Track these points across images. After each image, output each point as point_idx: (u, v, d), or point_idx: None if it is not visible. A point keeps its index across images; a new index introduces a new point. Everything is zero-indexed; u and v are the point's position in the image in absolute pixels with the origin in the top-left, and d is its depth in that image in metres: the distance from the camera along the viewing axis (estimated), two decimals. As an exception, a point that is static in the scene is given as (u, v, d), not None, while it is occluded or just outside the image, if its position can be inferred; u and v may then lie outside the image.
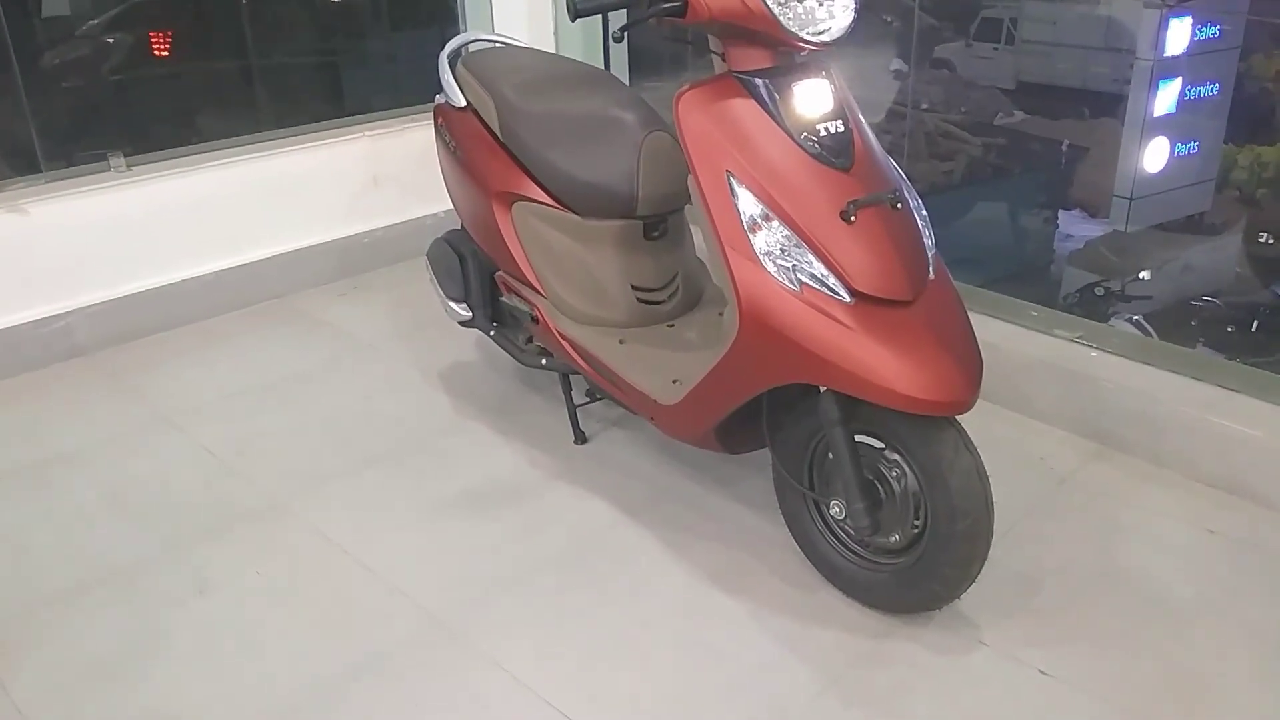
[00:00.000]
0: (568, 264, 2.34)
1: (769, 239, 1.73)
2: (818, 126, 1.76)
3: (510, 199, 2.39)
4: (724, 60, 1.84)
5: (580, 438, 2.56)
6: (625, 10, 1.80)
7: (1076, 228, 3.96)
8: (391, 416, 2.73)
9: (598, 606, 2.00)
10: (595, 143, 2.27)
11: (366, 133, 3.63)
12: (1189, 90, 4.25)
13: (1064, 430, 2.54)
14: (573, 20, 1.77)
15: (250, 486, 2.44)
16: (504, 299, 2.53)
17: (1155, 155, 4.36)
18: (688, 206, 2.37)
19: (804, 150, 1.75)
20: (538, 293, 2.39)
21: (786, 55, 1.80)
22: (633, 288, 2.33)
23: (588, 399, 2.58)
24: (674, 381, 2.12)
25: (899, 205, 1.77)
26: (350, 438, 2.63)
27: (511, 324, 2.57)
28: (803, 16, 1.71)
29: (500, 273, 2.53)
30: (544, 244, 2.36)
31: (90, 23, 3.39)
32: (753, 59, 1.79)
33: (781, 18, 1.70)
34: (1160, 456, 2.37)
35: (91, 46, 3.40)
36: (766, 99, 1.77)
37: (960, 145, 3.93)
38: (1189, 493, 2.29)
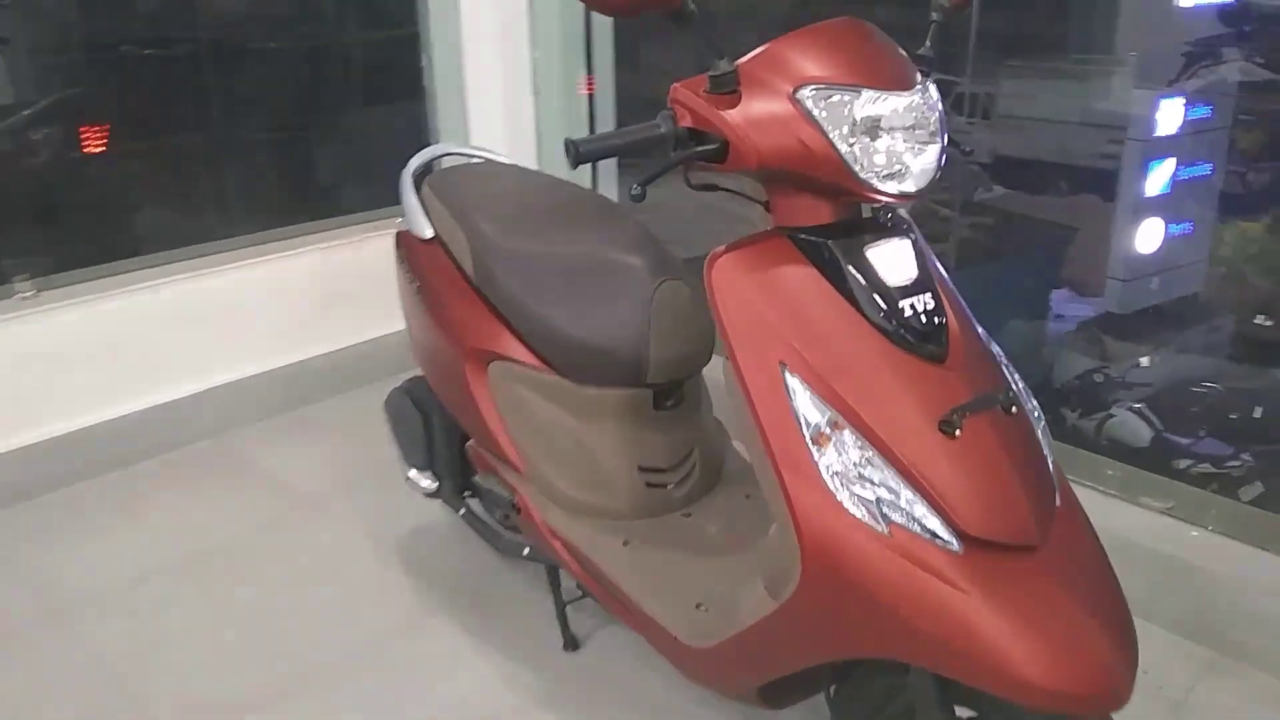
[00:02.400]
0: (558, 441, 1.86)
1: (841, 457, 1.27)
2: (901, 303, 1.31)
3: (486, 357, 1.92)
4: (769, 211, 1.40)
5: (571, 643, 2.06)
6: (636, 152, 1.34)
7: (1068, 308, 3.92)
8: (337, 611, 2.21)
9: None
10: (594, 292, 1.81)
11: (318, 245, 3.17)
12: (1182, 170, 4.19)
13: (1167, 631, 2.07)
14: (574, 167, 1.32)
15: (150, 722, 1.92)
16: (478, 478, 2.05)
17: (1149, 236, 4.35)
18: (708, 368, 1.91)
19: (885, 335, 1.30)
20: (519, 474, 1.91)
21: (851, 205, 1.36)
22: (640, 469, 1.86)
23: (580, 593, 2.08)
24: (699, 607, 1.64)
25: (1014, 409, 1.32)
26: (283, 643, 2.12)
27: (488, 501, 2.08)
28: (880, 162, 1.27)
29: (473, 444, 2.05)
30: (528, 415, 1.88)
31: (9, 118, 2.93)
32: (809, 212, 1.35)
33: (855, 164, 1.26)
34: (1295, 673, 1.92)
35: (10, 143, 2.93)
36: (831, 265, 1.32)
37: (949, 225, 3.79)
38: (1340, 727, 1.83)
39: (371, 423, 2.26)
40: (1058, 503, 1.31)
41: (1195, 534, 2.12)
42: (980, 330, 1.39)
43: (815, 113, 1.25)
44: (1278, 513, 2.08)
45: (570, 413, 1.85)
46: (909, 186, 1.30)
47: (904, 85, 1.29)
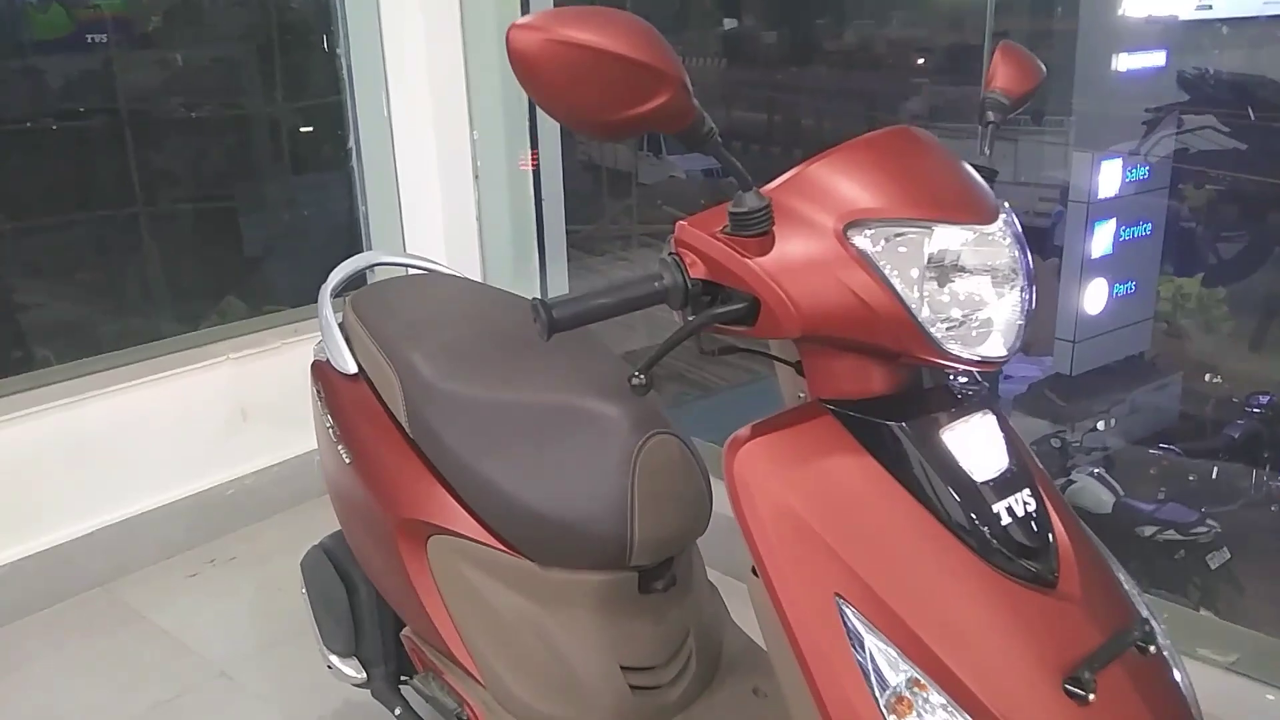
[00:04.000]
0: (519, 637, 1.48)
1: (929, 729, 0.91)
2: (994, 506, 0.97)
3: (424, 530, 1.53)
4: (801, 375, 1.06)
5: None
6: (626, 311, 0.98)
7: (1017, 369, 3.89)
8: (244, 833, 1.78)
9: None
10: (561, 451, 1.45)
11: (230, 354, 2.76)
12: (1124, 230, 4.25)
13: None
14: (547, 338, 0.96)
15: None
16: (416, 680, 1.65)
17: (1094, 296, 4.34)
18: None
19: (975, 552, 0.95)
20: (471, 677, 1.51)
21: (912, 370, 1.02)
22: (623, 669, 1.47)
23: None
24: None
25: (1152, 648, 0.98)
26: None
27: (434, 703, 1.68)
28: (956, 316, 0.94)
29: (409, 632, 1.65)
30: (480, 604, 1.50)
31: None
32: (857, 380, 1.00)
33: (930, 324, 0.93)
34: None
35: None
36: (896, 455, 0.98)
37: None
38: None
39: (291, 560, 1.85)
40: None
41: (1272, 697, 1.80)
42: (1089, 533, 1.05)
43: (873, 256, 0.92)
44: None
45: (533, 601, 1.47)
46: (995, 349, 0.96)
47: (983, 215, 0.96)
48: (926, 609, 0.93)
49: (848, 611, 0.94)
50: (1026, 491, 0.98)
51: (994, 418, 1.01)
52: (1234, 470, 3.87)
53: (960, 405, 1.00)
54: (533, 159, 3.26)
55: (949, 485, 0.96)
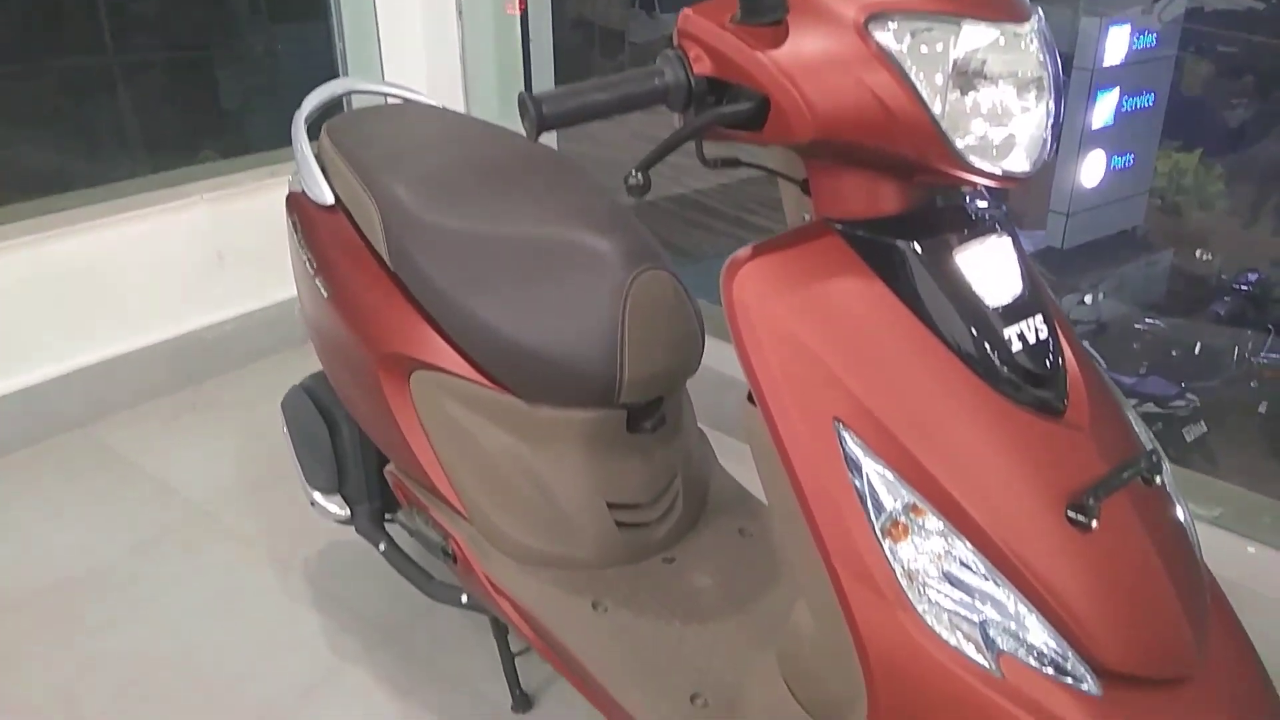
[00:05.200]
0: (505, 473, 1.45)
1: (926, 555, 0.89)
2: (1005, 331, 0.92)
3: (407, 365, 1.48)
4: (806, 194, 0.99)
5: (521, 703, 1.68)
6: (623, 110, 0.90)
7: None
8: (231, 662, 1.80)
9: None
10: (550, 285, 1.39)
11: (203, 194, 2.65)
12: (1126, 100, 4.20)
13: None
14: (534, 138, 0.89)
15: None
16: (401, 515, 1.64)
17: (1092, 168, 4.30)
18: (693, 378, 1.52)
19: (984, 378, 0.91)
20: (455, 512, 1.50)
21: (926, 191, 0.96)
22: (609, 506, 1.46)
23: (532, 642, 1.69)
24: (695, 700, 1.27)
25: (1158, 479, 0.95)
26: (161, 710, 1.70)
27: (416, 538, 1.67)
28: (979, 128, 0.87)
29: (393, 469, 1.62)
30: (465, 440, 1.47)
31: None
32: (867, 198, 0.94)
33: (953, 131, 0.86)
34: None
35: None
36: (904, 277, 0.93)
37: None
38: None
39: (274, 406, 1.82)
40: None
41: (1253, 550, 1.82)
42: (1100, 362, 1.01)
43: (896, 53, 0.84)
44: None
45: (520, 439, 1.44)
46: (1018, 164, 0.90)
47: (1015, 13, 0.88)
48: (928, 434, 0.90)
49: (846, 436, 0.90)
50: (1039, 318, 0.94)
51: (1009, 240, 0.96)
52: (1218, 346, 3.88)
53: (975, 226, 0.95)
54: (520, 3, 3.08)
55: (959, 309, 0.91)
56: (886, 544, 0.89)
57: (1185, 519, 0.98)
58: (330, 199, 1.59)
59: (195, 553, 2.08)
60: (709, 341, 1.46)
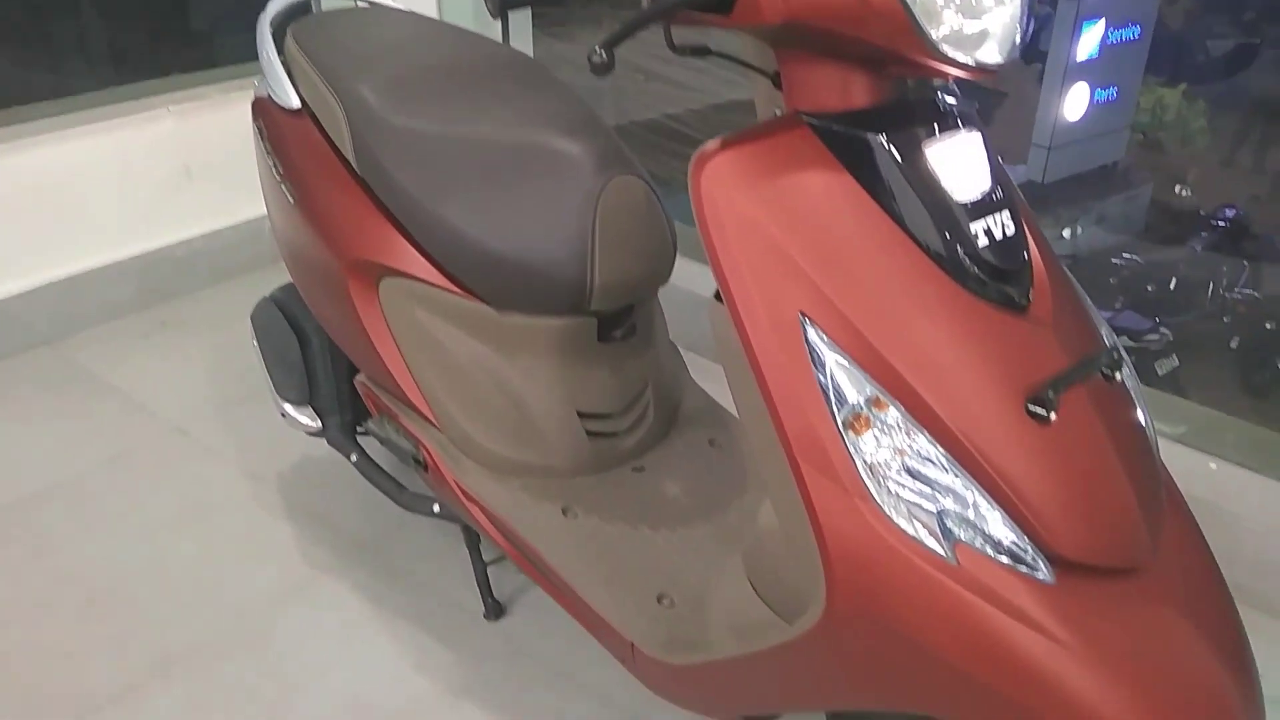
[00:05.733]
0: (475, 381, 1.45)
1: (886, 447, 0.90)
2: (972, 226, 0.92)
3: (375, 272, 1.47)
4: (778, 88, 0.98)
5: (493, 610, 1.70)
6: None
7: None
8: (204, 574, 1.81)
9: None
10: (520, 190, 1.37)
11: (170, 106, 2.59)
12: (1112, 32, 4.13)
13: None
14: (496, 14, 0.87)
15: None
16: (372, 423, 1.63)
17: (1075, 101, 4.23)
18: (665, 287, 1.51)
19: (949, 272, 0.91)
20: (427, 421, 1.50)
21: (896, 84, 0.95)
22: (580, 415, 1.46)
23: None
24: (661, 600, 1.29)
25: (1117, 374, 0.96)
26: (135, 617, 1.71)
27: (387, 447, 1.67)
28: (951, 18, 0.86)
29: (363, 378, 1.62)
30: (434, 348, 1.46)
31: None
32: (838, 90, 0.93)
33: (925, 18, 0.84)
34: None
35: None
36: (872, 170, 0.92)
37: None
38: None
39: (246, 324, 1.80)
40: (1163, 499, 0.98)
41: (1215, 466, 1.85)
42: (1061, 264, 1.01)
43: None
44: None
45: (490, 347, 1.43)
46: (990, 55, 0.89)
47: None
48: (893, 328, 0.90)
49: (811, 330, 0.90)
50: (1006, 213, 0.94)
51: (979, 136, 0.95)
52: (1193, 281, 3.91)
53: (945, 121, 0.94)
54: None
55: (926, 203, 0.91)
56: (848, 436, 0.90)
57: (1144, 418, 0.99)
58: (296, 103, 1.56)
59: (167, 467, 2.07)
60: (682, 262, 1.46)
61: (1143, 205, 4.68)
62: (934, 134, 0.92)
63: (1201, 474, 1.83)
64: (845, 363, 0.90)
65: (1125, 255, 4.25)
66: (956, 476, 0.88)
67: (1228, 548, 1.71)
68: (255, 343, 1.80)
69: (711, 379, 1.69)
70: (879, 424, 0.90)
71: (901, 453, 0.89)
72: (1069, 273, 1.01)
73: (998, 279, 0.92)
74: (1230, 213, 4.08)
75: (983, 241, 0.91)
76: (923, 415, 0.89)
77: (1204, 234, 4.04)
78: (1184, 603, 0.92)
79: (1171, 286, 4.02)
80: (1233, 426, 1.93)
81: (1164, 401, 2.01)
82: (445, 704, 1.56)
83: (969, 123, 0.95)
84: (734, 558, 1.25)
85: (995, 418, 0.88)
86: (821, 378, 0.90)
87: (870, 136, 0.91)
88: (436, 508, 1.60)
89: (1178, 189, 4.61)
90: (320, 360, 1.68)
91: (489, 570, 1.71)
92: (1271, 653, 1.65)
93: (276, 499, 1.98)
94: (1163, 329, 3.75)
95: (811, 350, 0.90)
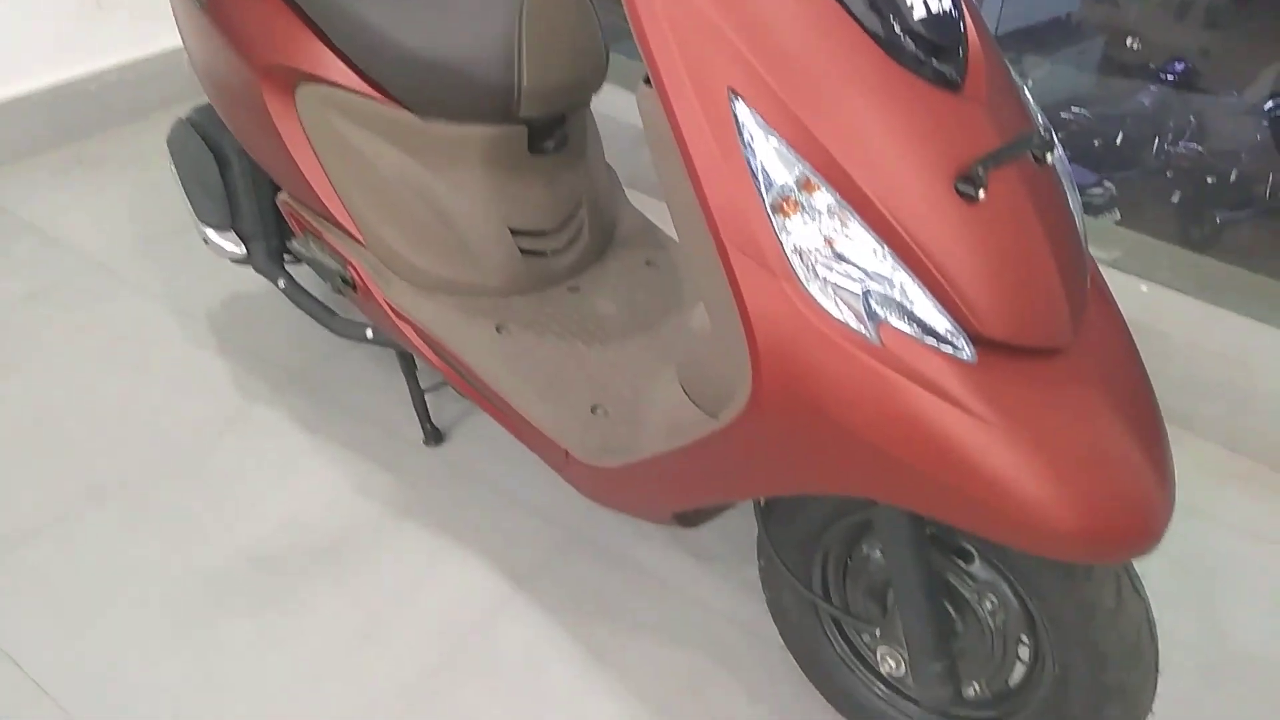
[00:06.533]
0: (400, 195, 1.40)
1: (814, 231, 0.88)
2: (906, 0, 0.88)
3: (291, 78, 1.39)
4: None
5: (433, 435, 1.70)
6: None
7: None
8: (134, 407, 1.77)
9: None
10: (440, -14, 1.29)
11: (70, -78, 2.40)
12: None
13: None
14: None
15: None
16: (296, 242, 1.58)
17: None
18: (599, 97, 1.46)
19: (883, 46, 0.88)
20: (353, 239, 1.45)
21: None
22: (512, 232, 1.43)
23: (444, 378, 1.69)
24: (595, 410, 1.29)
25: (1047, 156, 0.94)
26: (65, 450, 1.68)
27: (315, 269, 1.62)
28: None
29: (286, 196, 1.56)
30: (356, 159, 1.40)
31: None
32: None
33: None
34: (1242, 442, 1.75)
35: None
36: (806, -62, 0.87)
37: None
38: (1285, 497, 1.68)
39: (165, 162, 1.72)
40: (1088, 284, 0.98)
41: (1145, 289, 1.88)
42: (998, 47, 0.98)
43: None
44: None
45: (415, 158, 1.38)
46: None
47: None
48: (824, 104, 0.87)
49: (740, 106, 0.87)
50: (945, -13, 0.90)
51: (919, -98, 0.90)
52: (1139, 136, 3.90)
53: (883, -116, 0.88)
54: None
55: (861, -26, 0.86)
56: (776, 219, 0.88)
57: (1073, 203, 0.98)
58: (197, -106, 1.44)
59: (92, 303, 2.01)
60: (619, 91, 1.40)
61: (1094, 59, 4.62)
62: (874, -100, 0.87)
63: (1133, 295, 1.86)
64: (775, 142, 0.87)
65: (1074, 109, 4.22)
66: (882, 256, 0.87)
67: (1157, 368, 1.76)
68: (173, 168, 1.71)
69: (652, 214, 1.65)
70: (808, 209, 0.87)
71: (830, 240, 0.87)
72: (1003, 54, 0.98)
73: (933, 55, 0.89)
74: (1179, 66, 4.04)
75: (919, 13, 0.88)
76: (851, 195, 0.87)
77: (1152, 88, 4.02)
78: (1104, 384, 0.93)
79: (1118, 141, 4.02)
80: (1166, 251, 1.95)
81: (1099, 227, 2.02)
82: (387, 525, 1.57)
83: (909, -112, 0.90)
84: (668, 370, 1.25)
85: (923, 196, 0.86)
86: (750, 157, 0.87)
87: (804, -101, 0.86)
88: (369, 333, 1.57)
89: (1129, 41, 4.56)
90: (241, 181, 1.61)
91: (427, 397, 1.70)
92: (1192, 467, 1.72)
93: (206, 334, 1.93)
94: (1106, 183, 3.77)
95: (740, 128, 0.87)
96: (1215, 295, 1.81)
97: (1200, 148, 3.84)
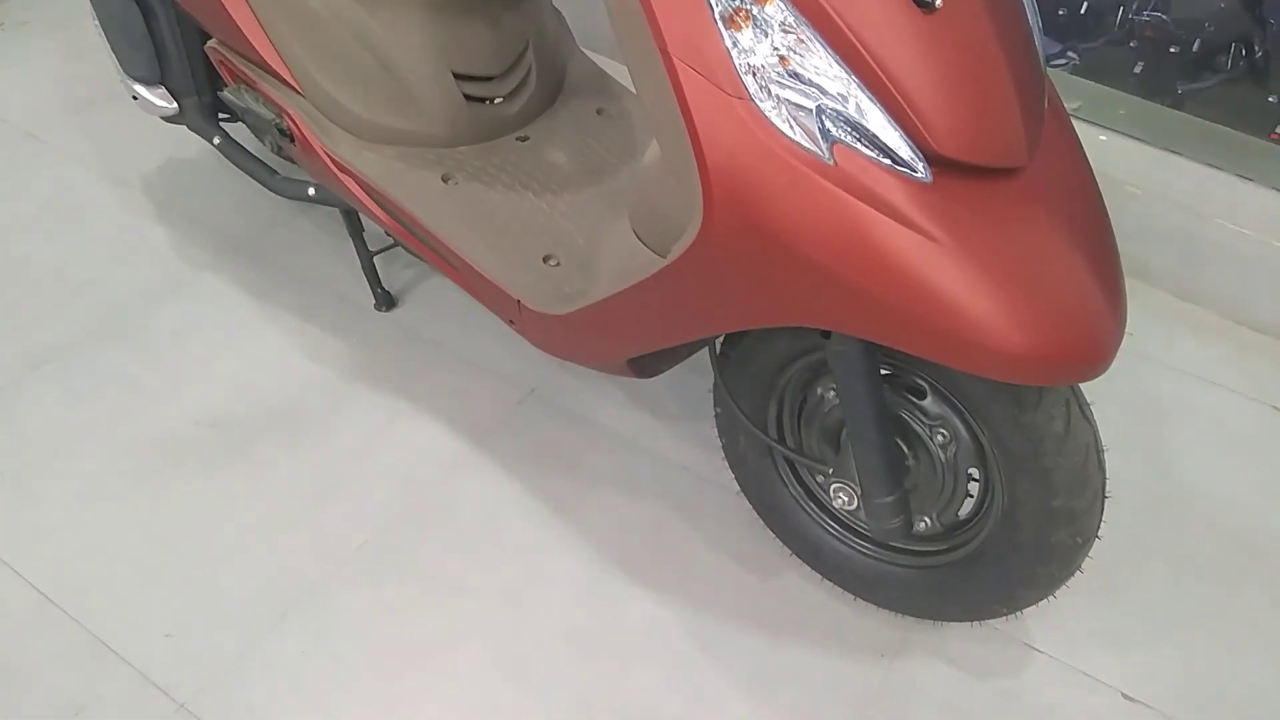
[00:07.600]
0: (337, 38, 1.33)
1: (765, 45, 0.84)
2: None
3: (213, -89, 1.30)
4: None
5: (383, 300, 1.67)
6: None
7: None
8: (69, 272, 1.71)
9: (445, 634, 1.25)
10: None
11: None
12: None
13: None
14: None
15: None
16: (228, 92, 1.50)
17: None
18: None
19: None
20: (289, 87, 1.38)
21: None
22: (456, 78, 1.36)
23: (392, 240, 1.65)
24: (547, 260, 1.26)
25: (1007, -31, 0.90)
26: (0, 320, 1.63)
27: (250, 124, 1.55)
28: None
29: (215, 44, 1.47)
30: (290, 1, 1.32)
31: None
32: None
33: None
34: (1193, 290, 1.76)
35: None
36: None
37: None
38: (1238, 345, 1.70)
39: (93, 23, 1.62)
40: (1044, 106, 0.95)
41: (1104, 138, 1.86)
42: None
43: None
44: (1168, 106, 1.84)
45: (351, -3, 1.30)
46: None
47: None
48: (775, -92, 0.82)
49: (687, -89, 0.82)
50: None
51: None
52: (1105, 4, 3.83)
53: None
54: None
55: None
56: (727, 34, 0.84)
57: (1033, 21, 0.95)
58: None
59: (18, 171, 1.92)
60: None
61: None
62: None
63: (1091, 143, 1.83)
64: (723, -54, 0.82)
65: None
66: (837, 72, 0.83)
67: (1112, 215, 1.75)
68: (95, 21, 1.61)
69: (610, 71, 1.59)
70: (759, 20, 0.83)
71: (783, 57, 0.83)
72: None
73: None
74: (1140, -83, 3.94)
75: None
76: (804, 7, 0.82)
77: (1116, -45, 3.92)
78: (1058, 206, 0.91)
79: (1082, 11, 3.94)
80: (1125, 102, 1.92)
81: (1062, 80, 1.98)
82: (340, 388, 1.55)
83: None
84: (621, 219, 1.22)
85: (879, 9, 0.83)
86: (697, -35, 0.82)
87: None
88: (312, 190, 1.51)
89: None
90: (168, 29, 1.52)
91: (376, 261, 1.65)
92: (1145, 314, 1.74)
93: (143, 201, 1.86)
94: (1070, 53, 3.71)
95: (687, -65, 0.82)
96: (1171, 143, 1.80)
97: (1165, 16, 3.78)
